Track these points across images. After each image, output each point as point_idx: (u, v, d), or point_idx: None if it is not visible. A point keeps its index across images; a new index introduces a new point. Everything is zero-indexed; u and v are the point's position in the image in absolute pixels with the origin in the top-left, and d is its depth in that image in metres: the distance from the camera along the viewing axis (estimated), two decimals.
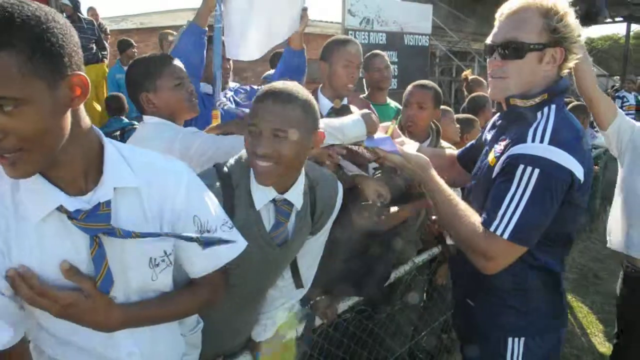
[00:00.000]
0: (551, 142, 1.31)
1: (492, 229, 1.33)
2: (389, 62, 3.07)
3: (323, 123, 1.71)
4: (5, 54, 0.77)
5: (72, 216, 0.92)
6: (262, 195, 1.31)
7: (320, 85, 2.35)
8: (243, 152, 1.34)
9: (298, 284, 1.55)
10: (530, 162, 1.29)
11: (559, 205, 1.33)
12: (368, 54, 2.96)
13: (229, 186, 1.29)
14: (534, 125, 1.36)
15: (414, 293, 2.54)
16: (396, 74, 7.73)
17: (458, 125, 2.72)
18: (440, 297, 2.61)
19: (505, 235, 1.31)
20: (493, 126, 1.64)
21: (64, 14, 5.27)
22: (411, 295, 2.54)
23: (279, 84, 1.27)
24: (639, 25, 18.78)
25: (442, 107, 2.69)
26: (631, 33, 18.54)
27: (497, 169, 1.40)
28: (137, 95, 1.72)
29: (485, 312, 1.55)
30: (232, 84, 2.60)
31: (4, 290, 0.91)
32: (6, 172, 0.87)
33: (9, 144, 0.82)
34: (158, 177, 1.06)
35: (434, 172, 1.48)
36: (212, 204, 1.15)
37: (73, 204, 0.93)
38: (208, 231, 1.12)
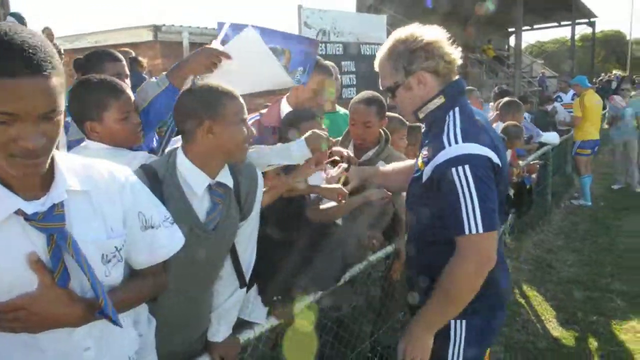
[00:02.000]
0: (464, 140, 1.52)
1: (466, 232, 1.47)
2: (336, 73, 3.18)
3: (270, 149, 1.84)
4: (55, 76, 0.92)
5: (29, 218, 0.98)
6: (198, 182, 1.43)
7: (287, 94, 2.44)
8: (167, 151, 1.48)
9: (241, 279, 1.62)
10: (457, 162, 1.49)
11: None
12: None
13: (156, 182, 1.40)
14: (445, 131, 1.57)
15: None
16: (354, 82, 7.92)
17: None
18: (398, 293, 2.71)
19: (480, 229, 1.46)
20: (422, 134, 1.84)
21: None
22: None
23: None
24: (584, 28, 19.78)
25: (392, 116, 2.80)
26: (577, 36, 19.53)
27: (428, 175, 1.58)
28: (82, 122, 1.68)
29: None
30: None
31: None
32: (29, 172, 0.96)
33: (49, 148, 0.96)
34: (104, 179, 1.14)
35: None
36: (153, 201, 1.25)
37: (29, 207, 0.99)
38: (152, 227, 1.21)
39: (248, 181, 1.57)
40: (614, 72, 20.64)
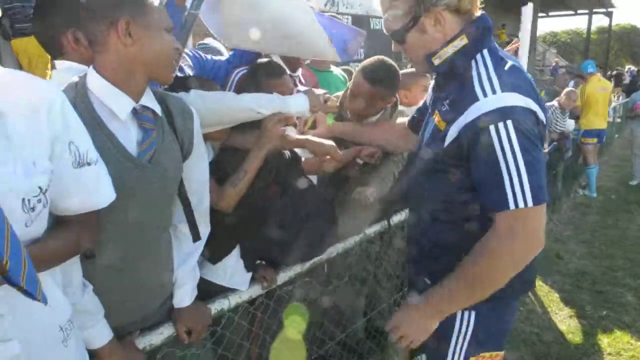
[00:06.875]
0: (503, 89, 1.20)
1: (511, 206, 1.17)
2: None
3: (254, 97, 1.61)
4: None
5: None
6: (120, 104, 1.15)
7: None
8: (75, 78, 1.18)
9: (194, 230, 1.37)
10: (497, 118, 1.17)
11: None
12: None
13: None
14: (476, 78, 1.25)
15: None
16: (362, 58, 7.62)
17: None
18: (394, 270, 2.47)
19: (530, 203, 1.17)
20: (433, 87, 1.52)
21: None
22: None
23: None
24: (601, 19, 19.31)
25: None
26: (593, 28, 19.07)
27: (453, 137, 1.26)
28: (59, 32, 1.38)
29: None
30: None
31: None
32: None
33: None
34: (26, 97, 0.89)
35: None
36: (86, 132, 0.99)
37: None
38: (88, 164, 0.96)
39: (181, 114, 1.29)
40: (627, 66, 20.19)
